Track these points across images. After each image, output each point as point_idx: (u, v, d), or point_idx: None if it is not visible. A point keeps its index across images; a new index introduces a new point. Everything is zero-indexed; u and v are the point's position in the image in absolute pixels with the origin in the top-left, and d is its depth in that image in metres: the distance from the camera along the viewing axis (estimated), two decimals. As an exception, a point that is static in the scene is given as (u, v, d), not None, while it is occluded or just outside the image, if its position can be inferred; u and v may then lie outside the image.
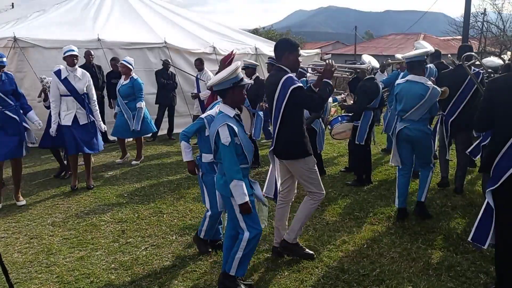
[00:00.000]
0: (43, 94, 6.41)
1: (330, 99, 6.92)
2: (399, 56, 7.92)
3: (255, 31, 32.87)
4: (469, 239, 3.37)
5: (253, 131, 6.88)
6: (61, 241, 4.15)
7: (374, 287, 3.33)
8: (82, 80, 5.54)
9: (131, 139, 7.84)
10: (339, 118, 6.62)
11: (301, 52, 13.08)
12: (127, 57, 7.15)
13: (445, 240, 4.16)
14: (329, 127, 6.70)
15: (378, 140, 8.06)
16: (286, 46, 3.58)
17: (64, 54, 5.48)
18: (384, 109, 8.37)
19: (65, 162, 6.32)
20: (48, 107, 5.99)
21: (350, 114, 6.20)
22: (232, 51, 7.61)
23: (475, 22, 25.00)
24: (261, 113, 7.05)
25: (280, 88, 3.45)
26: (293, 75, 3.52)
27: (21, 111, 5.12)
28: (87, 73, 5.66)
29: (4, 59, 4.84)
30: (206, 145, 3.56)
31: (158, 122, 9.05)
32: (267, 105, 6.91)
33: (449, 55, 6.40)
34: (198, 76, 8.48)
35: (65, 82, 5.43)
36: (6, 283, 2.63)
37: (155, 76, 8.98)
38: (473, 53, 5.25)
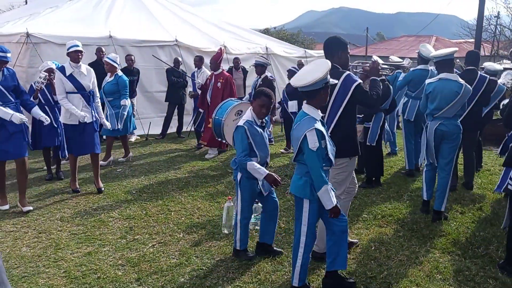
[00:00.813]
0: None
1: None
2: (394, 58, 7.86)
3: (266, 31, 32.80)
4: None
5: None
6: (69, 236, 4.18)
7: (381, 290, 3.30)
8: (88, 76, 5.35)
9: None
10: None
11: (313, 52, 13.09)
12: (111, 54, 7.05)
13: (453, 244, 4.12)
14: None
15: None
16: (339, 44, 3.63)
17: (68, 49, 5.27)
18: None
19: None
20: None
21: (361, 116, 6.17)
22: (220, 48, 7.62)
23: (488, 25, 24.70)
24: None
25: (340, 85, 3.44)
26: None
27: (24, 108, 4.93)
28: (92, 69, 5.48)
29: (9, 55, 4.67)
30: (248, 149, 3.54)
31: (167, 120, 9.08)
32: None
33: (457, 60, 6.45)
34: (195, 73, 8.33)
35: (71, 79, 5.22)
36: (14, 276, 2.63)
37: (166, 74, 8.99)
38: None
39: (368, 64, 4.14)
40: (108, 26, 9.26)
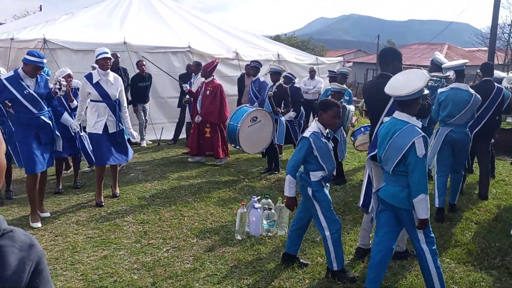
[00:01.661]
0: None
1: (353, 107, 6.90)
2: (441, 57, 7.90)
3: (277, 38, 32.92)
4: None
5: (275, 137, 6.91)
6: (85, 239, 4.23)
7: (396, 299, 3.29)
8: (115, 85, 5.15)
9: None
10: (362, 128, 6.59)
11: (324, 59, 13.06)
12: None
13: (469, 255, 4.09)
14: (352, 138, 6.68)
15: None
16: (395, 55, 3.77)
17: (96, 56, 5.10)
18: None
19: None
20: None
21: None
22: (215, 59, 7.62)
23: (502, 34, 24.51)
24: (283, 119, 7.05)
25: None
26: None
27: (54, 115, 4.77)
28: (120, 78, 5.32)
29: (44, 61, 4.44)
30: (314, 162, 3.48)
31: (179, 126, 9.14)
32: (283, 110, 6.99)
33: (478, 71, 6.61)
34: (192, 80, 8.20)
35: (97, 86, 5.04)
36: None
37: (178, 80, 9.05)
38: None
39: None
40: (122, 32, 9.39)
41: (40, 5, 31.75)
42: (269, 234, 4.46)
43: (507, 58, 23.04)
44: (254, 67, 7.94)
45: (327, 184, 3.62)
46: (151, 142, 9.04)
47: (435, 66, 6.20)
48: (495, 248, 4.23)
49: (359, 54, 42.75)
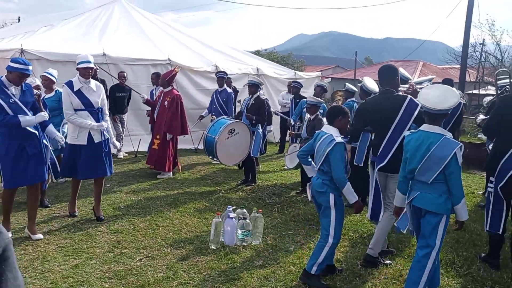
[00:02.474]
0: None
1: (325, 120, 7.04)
2: (403, 72, 8.18)
3: (257, 53, 33.28)
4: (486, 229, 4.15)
5: (252, 149, 6.98)
6: (56, 249, 4.17)
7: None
8: (97, 92, 4.92)
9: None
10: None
11: (302, 74, 13.36)
12: (49, 69, 6.53)
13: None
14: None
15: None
16: (395, 71, 4.13)
17: (78, 64, 4.80)
18: None
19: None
20: None
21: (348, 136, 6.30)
22: (174, 68, 7.51)
23: (474, 52, 25.42)
24: (260, 131, 7.14)
25: (404, 109, 3.82)
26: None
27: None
28: (101, 85, 5.10)
29: (30, 68, 4.23)
30: (341, 168, 3.57)
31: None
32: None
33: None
34: (153, 91, 8.22)
35: (79, 94, 4.78)
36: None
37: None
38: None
39: (407, 88, 4.46)
40: (102, 44, 9.38)
41: (19, 17, 31.47)
42: (244, 243, 4.49)
43: (478, 76, 23.85)
44: (220, 77, 8.17)
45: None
46: (127, 155, 8.99)
47: (400, 81, 6.41)
48: (462, 257, 4.36)
49: (338, 70, 43.49)
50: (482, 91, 20.08)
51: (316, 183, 3.68)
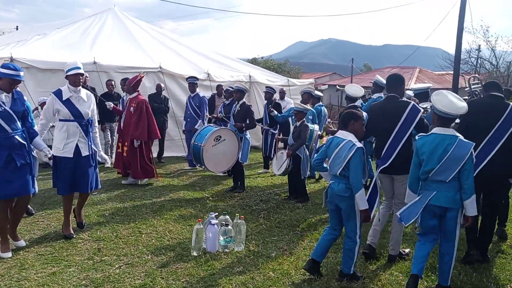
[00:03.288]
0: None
1: (317, 127, 7.07)
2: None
3: (254, 60, 33.45)
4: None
5: (240, 155, 6.98)
6: (35, 257, 4.16)
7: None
8: (87, 102, 4.67)
9: None
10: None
11: (296, 81, 13.48)
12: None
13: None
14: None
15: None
16: (402, 80, 4.38)
17: (67, 71, 4.56)
18: None
19: None
20: None
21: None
22: (139, 74, 7.35)
23: (469, 58, 25.53)
24: (248, 137, 7.16)
25: (408, 113, 4.07)
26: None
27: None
28: (92, 95, 4.87)
29: (21, 73, 4.07)
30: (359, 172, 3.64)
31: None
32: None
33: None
34: (124, 98, 8.03)
35: (68, 104, 4.53)
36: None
37: (148, 100, 9.11)
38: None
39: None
40: (93, 52, 9.44)
41: (17, 26, 31.63)
42: (226, 250, 4.48)
43: (474, 82, 23.86)
44: (191, 83, 8.20)
45: None
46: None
47: (378, 87, 6.45)
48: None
49: (334, 77, 43.66)
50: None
51: (338, 188, 3.73)
